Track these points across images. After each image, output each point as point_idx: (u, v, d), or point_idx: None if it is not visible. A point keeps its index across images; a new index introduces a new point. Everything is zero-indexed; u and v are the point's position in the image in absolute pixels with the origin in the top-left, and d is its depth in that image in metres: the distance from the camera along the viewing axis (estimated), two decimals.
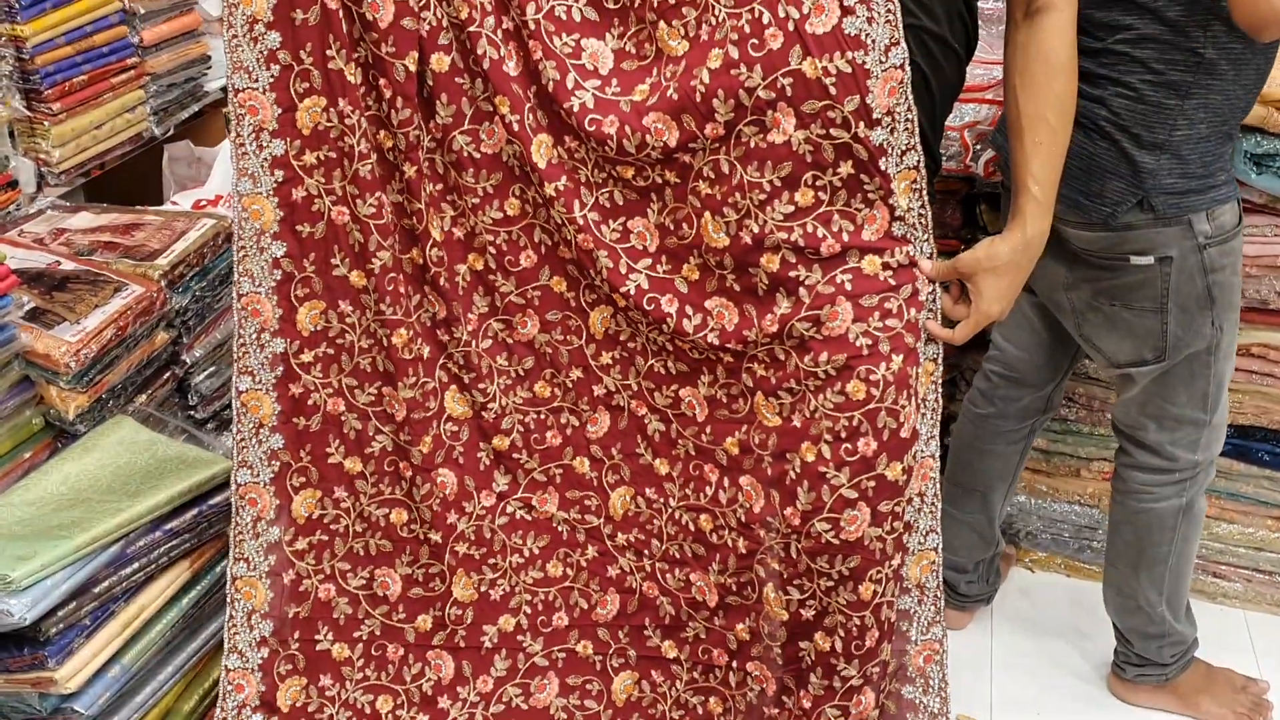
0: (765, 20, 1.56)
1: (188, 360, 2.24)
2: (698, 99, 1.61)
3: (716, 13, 1.60)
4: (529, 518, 1.90)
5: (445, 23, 1.67)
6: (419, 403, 1.81)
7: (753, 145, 1.61)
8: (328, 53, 1.67)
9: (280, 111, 1.70)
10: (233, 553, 1.83)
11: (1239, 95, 1.92)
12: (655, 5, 1.65)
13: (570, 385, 1.84)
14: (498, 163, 1.74)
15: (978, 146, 2.48)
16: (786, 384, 1.69)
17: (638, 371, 1.81)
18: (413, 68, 1.67)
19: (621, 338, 1.80)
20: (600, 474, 1.87)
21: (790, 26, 1.56)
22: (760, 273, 1.66)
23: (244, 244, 1.75)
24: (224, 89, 2.91)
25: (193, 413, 2.30)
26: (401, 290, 1.78)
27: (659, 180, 1.69)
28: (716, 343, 1.71)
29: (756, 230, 1.64)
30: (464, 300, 1.81)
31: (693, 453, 1.81)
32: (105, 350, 2.03)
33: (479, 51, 1.66)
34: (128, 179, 2.77)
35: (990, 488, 2.48)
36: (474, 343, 1.83)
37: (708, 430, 1.79)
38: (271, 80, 1.69)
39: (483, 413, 1.86)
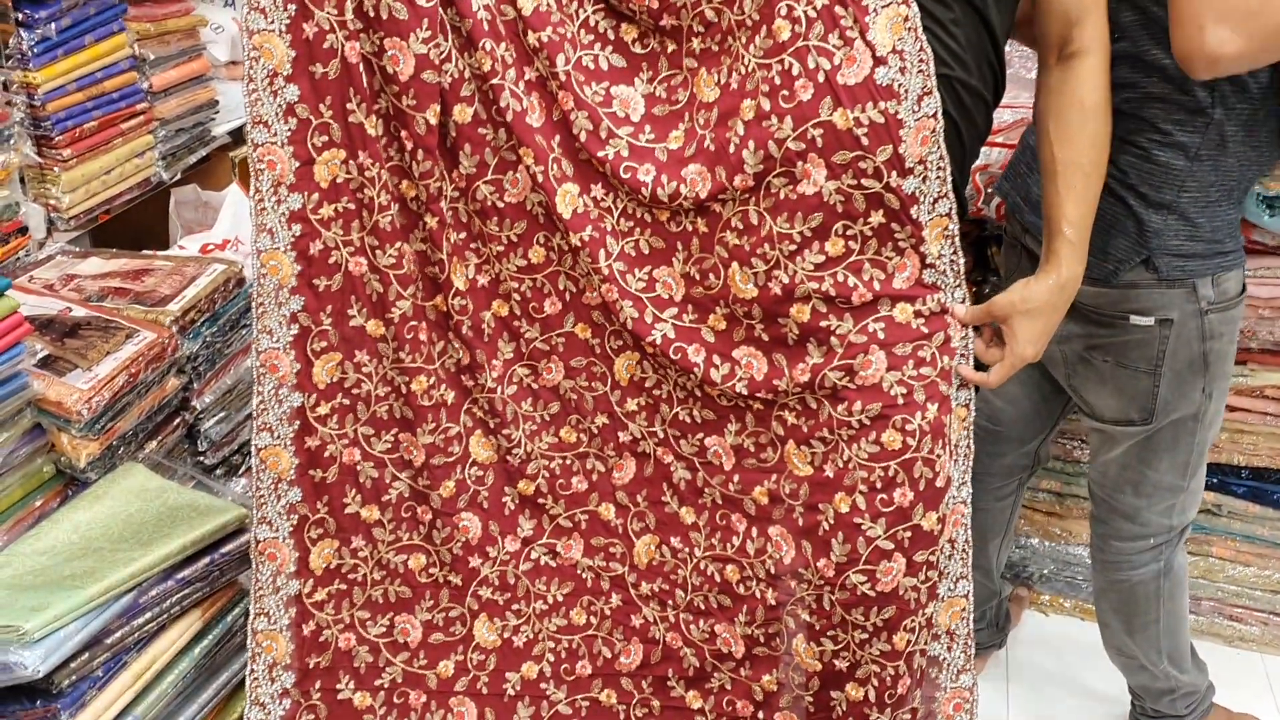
0: (795, 72, 1.56)
1: (198, 406, 2.21)
2: (731, 150, 1.61)
3: (746, 62, 1.60)
4: (553, 564, 1.88)
5: (467, 74, 1.66)
6: (439, 448, 1.79)
7: (782, 196, 1.61)
8: (348, 105, 1.66)
9: (298, 165, 1.68)
10: (253, 607, 1.80)
11: (1251, 158, 1.88)
12: (696, 52, 1.65)
13: (596, 431, 1.82)
14: (522, 211, 1.73)
15: (989, 190, 2.49)
16: (819, 433, 1.68)
17: (663, 419, 1.79)
18: (434, 120, 1.65)
19: (647, 384, 1.79)
20: (625, 521, 1.85)
21: (821, 78, 1.55)
22: (790, 323, 1.65)
23: (262, 300, 1.72)
24: (231, 134, 2.92)
25: (202, 458, 2.27)
26: (422, 338, 1.76)
27: (689, 227, 1.68)
28: (745, 392, 1.70)
29: (786, 281, 1.63)
30: (489, 347, 1.80)
31: (719, 502, 1.79)
32: (117, 397, 2.00)
33: (501, 103, 1.65)
34: (135, 223, 2.75)
35: (983, 540, 2.43)
36: (499, 389, 1.81)
37: (735, 479, 1.77)
38: (289, 134, 1.67)
39: (508, 457, 1.84)
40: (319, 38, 1.63)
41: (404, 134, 1.66)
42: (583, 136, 1.67)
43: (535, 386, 1.82)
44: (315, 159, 1.68)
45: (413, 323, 1.75)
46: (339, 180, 1.69)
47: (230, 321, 2.28)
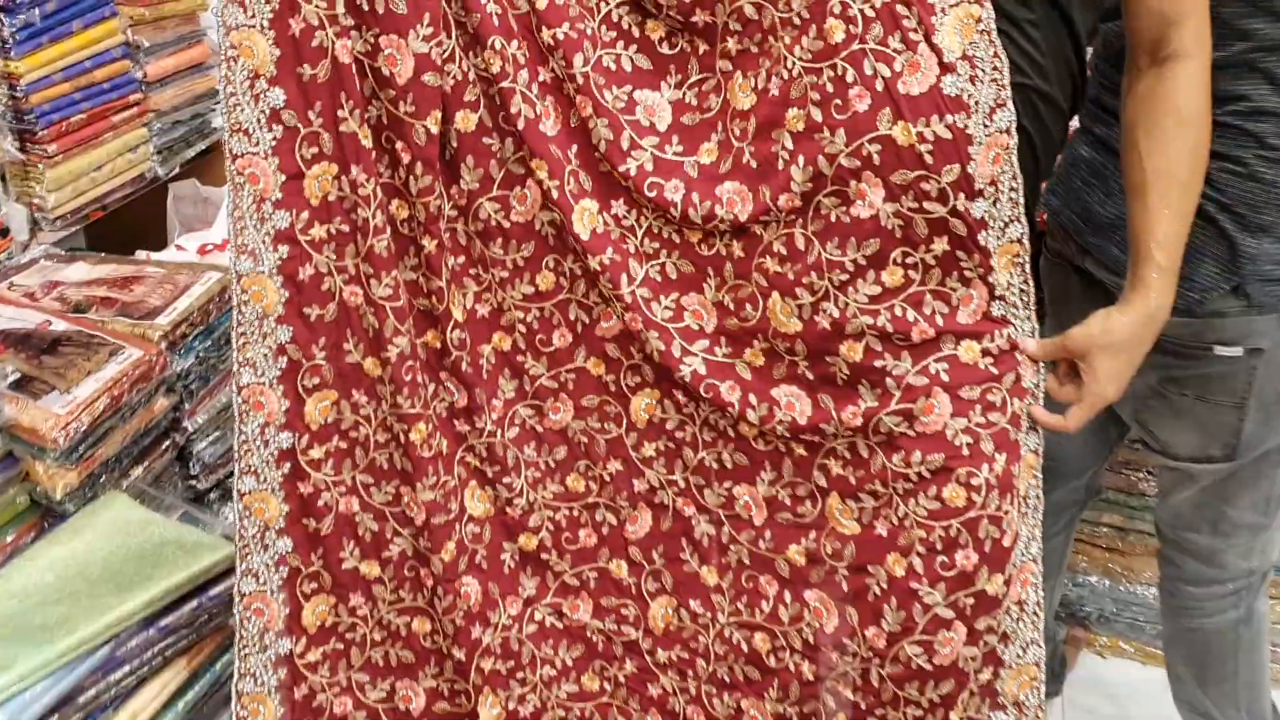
0: (849, 78, 1.38)
1: (189, 427, 2.05)
2: (779, 165, 1.43)
3: (790, 65, 1.42)
4: (559, 625, 1.69)
5: (473, 76, 1.48)
6: (439, 505, 1.60)
7: (833, 219, 1.42)
8: (339, 113, 1.47)
9: (285, 179, 1.49)
10: (238, 668, 1.62)
11: None
12: (732, 54, 1.46)
13: (608, 479, 1.64)
14: (530, 232, 1.55)
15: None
16: (869, 485, 1.49)
17: (685, 465, 1.61)
18: (435, 129, 1.47)
19: (668, 426, 1.60)
20: (640, 580, 1.67)
21: (879, 86, 1.37)
22: (840, 362, 1.47)
23: (244, 330, 1.54)
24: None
25: (194, 482, 2.11)
26: (419, 379, 1.58)
27: (723, 251, 1.50)
28: (788, 434, 1.51)
29: (836, 315, 1.45)
30: (488, 385, 1.62)
31: (747, 561, 1.60)
32: (98, 422, 1.83)
33: (512, 109, 1.47)
34: (130, 220, 2.58)
35: None
36: (499, 432, 1.63)
37: (766, 536, 1.58)
38: (274, 143, 1.48)
39: (507, 509, 1.66)
40: (306, 34, 1.45)
41: (399, 145, 1.49)
42: (603, 147, 1.49)
43: (540, 429, 1.64)
44: (305, 173, 1.50)
45: (410, 362, 1.57)
46: (330, 198, 1.51)
47: (225, 335, 2.11)
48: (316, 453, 1.58)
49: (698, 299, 1.54)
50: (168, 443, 2.03)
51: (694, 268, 1.53)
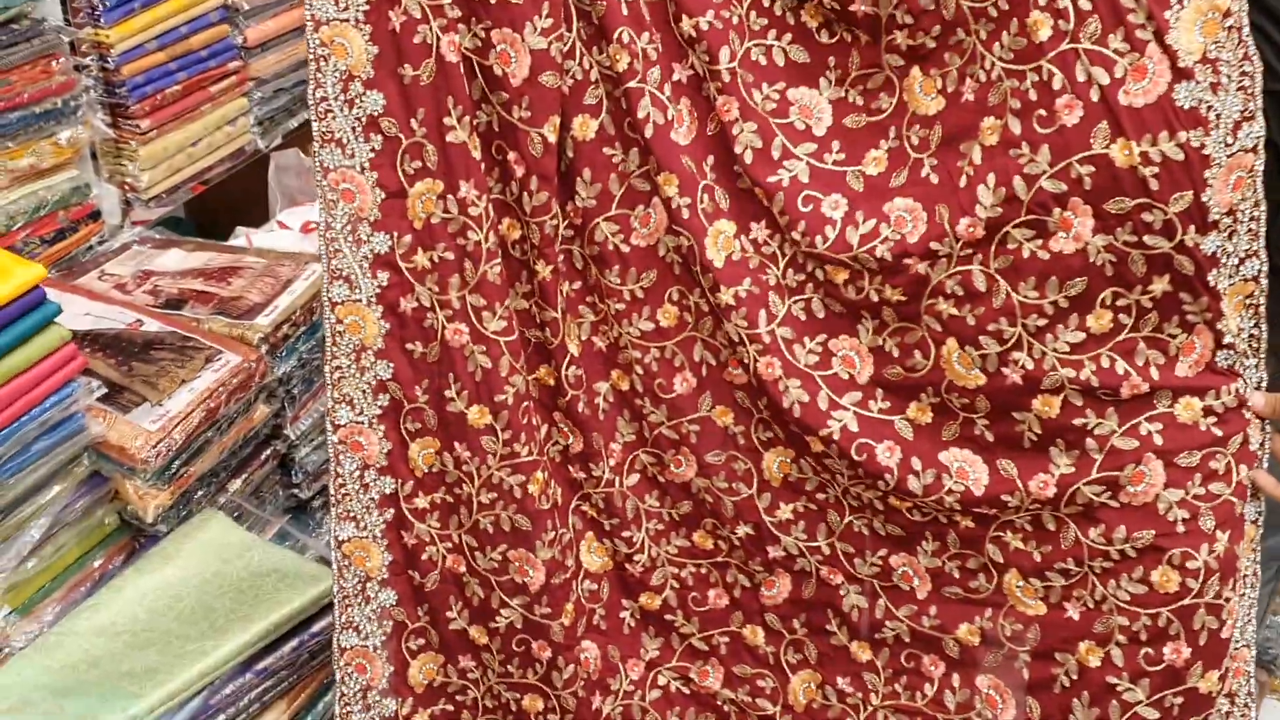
0: (1057, 85, 1.15)
1: (291, 435, 1.89)
2: (962, 183, 1.20)
3: (988, 65, 1.19)
4: (686, 691, 1.51)
5: (595, 75, 1.28)
6: (559, 563, 1.42)
7: (1026, 254, 1.20)
8: (445, 120, 1.28)
9: (384, 197, 1.31)
10: None
11: None
12: (902, 49, 1.24)
13: (737, 543, 1.43)
14: (652, 258, 1.35)
15: None
16: (1059, 563, 1.28)
17: (830, 530, 1.40)
18: (552, 138, 1.28)
19: (807, 488, 1.39)
20: (778, 650, 1.47)
21: (1094, 95, 1.13)
22: (1031, 419, 1.25)
23: (339, 363, 1.37)
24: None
25: (296, 491, 1.96)
26: (534, 422, 1.39)
27: (882, 287, 1.28)
28: (958, 507, 1.30)
29: (1030, 366, 1.23)
30: (605, 427, 1.42)
31: (906, 639, 1.40)
32: (193, 437, 1.68)
33: (639, 113, 1.27)
34: (228, 193, 2.42)
35: None
36: (617, 480, 1.43)
37: (931, 611, 1.37)
38: (372, 156, 1.30)
39: (627, 565, 1.47)
40: (408, 29, 1.26)
41: (512, 156, 1.29)
42: (748, 157, 1.28)
43: (662, 480, 1.44)
44: (408, 190, 1.31)
45: (527, 403, 1.38)
46: (434, 221, 1.32)
47: None
48: (421, 502, 1.41)
49: (849, 343, 1.32)
50: (268, 452, 1.88)
51: (845, 306, 1.31)
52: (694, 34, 1.25)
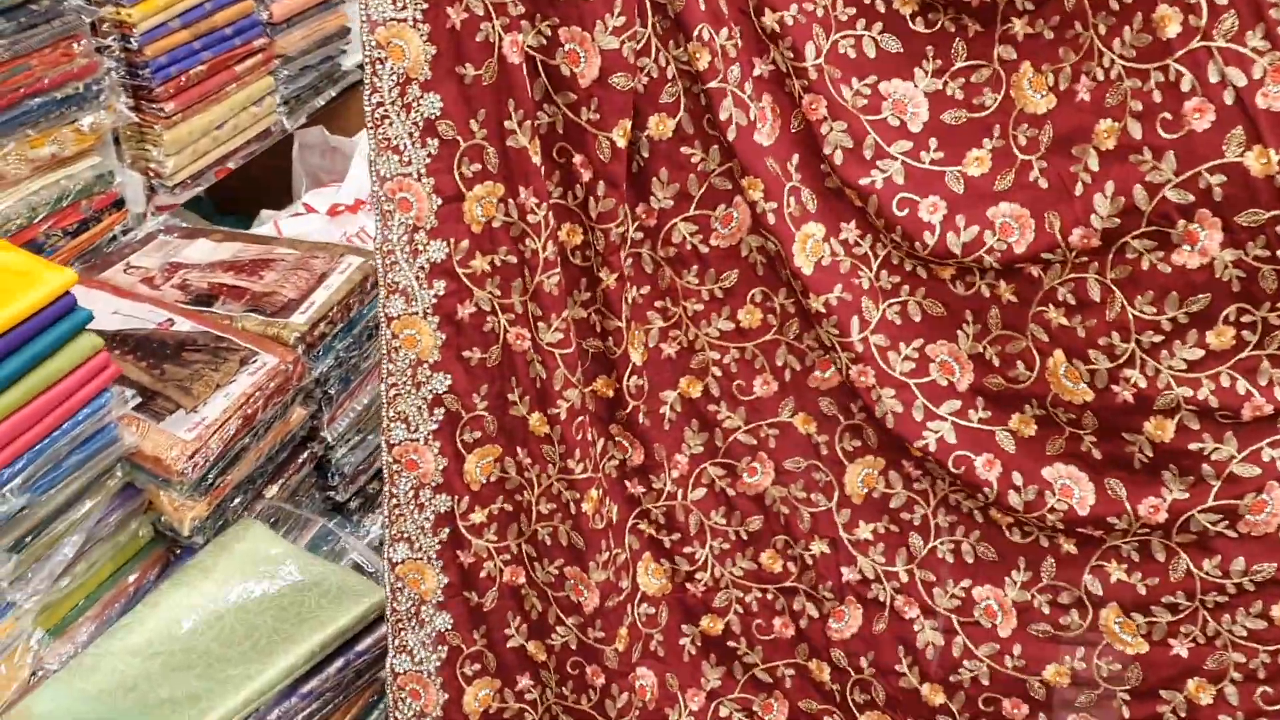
0: (1186, 86, 1.05)
1: (329, 438, 1.81)
2: (1077, 190, 1.11)
3: (1106, 63, 1.09)
4: None
5: (672, 72, 1.18)
6: (613, 585, 1.34)
7: (1146, 266, 1.11)
8: (506, 124, 1.19)
9: (441, 203, 1.22)
10: None
11: None
12: (1018, 38, 1.15)
13: (810, 562, 1.35)
14: (734, 258, 1.27)
15: None
16: (1167, 597, 1.20)
17: (911, 555, 1.32)
18: (622, 142, 1.19)
19: (892, 505, 1.31)
20: (844, 688, 1.39)
21: (1228, 98, 1.04)
22: (1142, 441, 1.16)
23: (395, 379, 1.29)
24: (362, 66, 2.46)
25: (333, 493, 1.88)
26: (590, 438, 1.31)
27: (986, 291, 1.19)
28: (1061, 526, 1.22)
29: (1144, 384, 1.14)
30: (669, 439, 1.34)
31: (985, 681, 1.32)
32: (229, 445, 1.60)
33: (721, 114, 1.18)
34: (250, 174, 2.32)
35: None
36: (680, 493, 1.35)
37: (1016, 651, 1.29)
38: (429, 161, 1.21)
39: (687, 585, 1.39)
40: (469, 27, 1.16)
41: (577, 160, 1.20)
42: (838, 158, 1.19)
43: (731, 493, 1.35)
44: (465, 194, 1.22)
45: (581, 418, 1.30)
46: (495, 224, 1.24)
47: (367, 330, 1.86)
48: (478, 516, 1.33)
49: (948, 348, 1.24)
50: (305, 455, 1.80)
51: (945, 309, 1.23)
52: (777, 29, 1.16)
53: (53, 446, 1.40)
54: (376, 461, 1.93)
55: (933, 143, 1.20)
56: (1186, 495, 1.16)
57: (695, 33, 1.15)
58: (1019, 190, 1.16)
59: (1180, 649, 1.21)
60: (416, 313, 1.26)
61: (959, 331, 1.24)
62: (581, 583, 1.33)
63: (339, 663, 1.52)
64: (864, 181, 1.20)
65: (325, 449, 1.82)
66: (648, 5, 1.16)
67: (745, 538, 1.37)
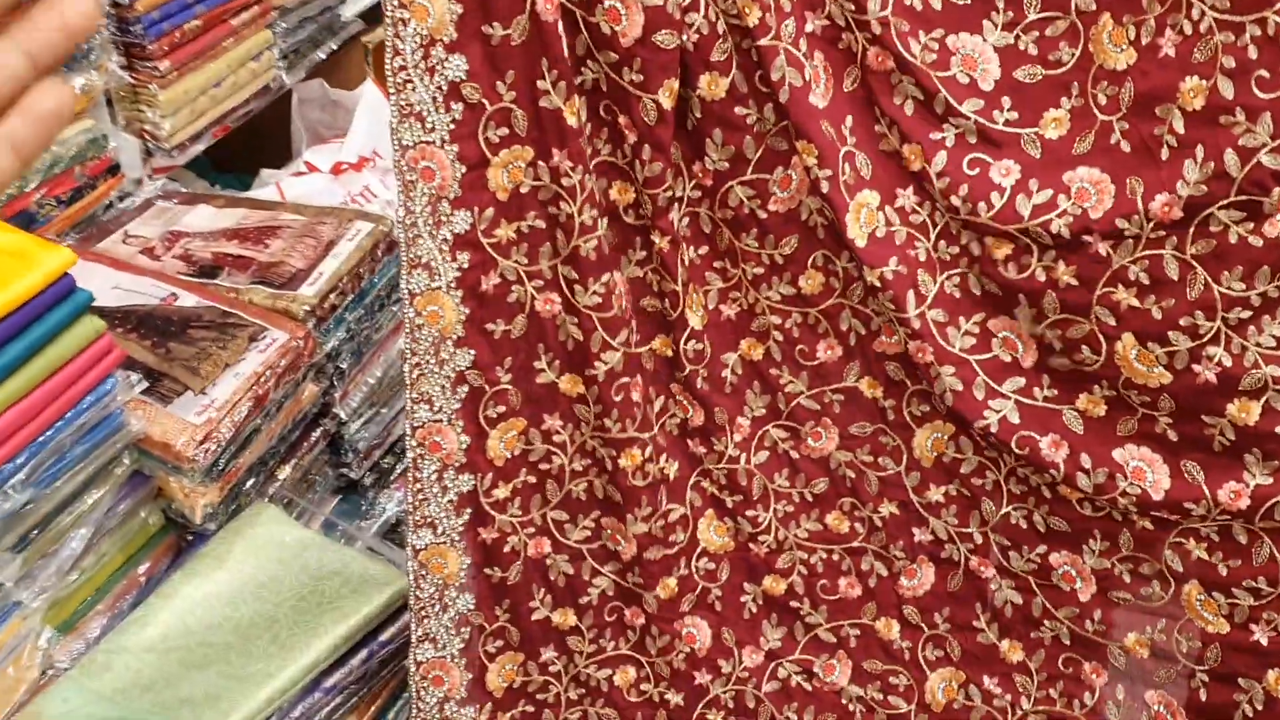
0: None
1: (342, 414, 1.73)
2: (1163, 155, 1.03)
3: (1195, 15, 1.00)
4: (808, 687, 1.38)
5: (722, 28, 1.09)
6: (656, 538, 1.30)
7: (1233, 239, 1.03)
8: (539, 84, 1.11)
9: (465, 170, 1.14)
10: None
11: None
12: None
13: (879, 524, 1.30)
14: (793, 223, 1.19)
15: None
16: (1248, 580, 1.14)
17: (984, 519, 1.26)
18: (668, 104, 1.10)
19: (963, 470, 1.25)
20: (916, 645, 1.34)
21: None
22: (1224, 424, 1.09)
23: (419, 359, 1.21)
24: (362, 15, 2.36)
25: (347, 470, 1.80)
26: (635, 398, 1.24)
27: (1044, 273, 1.11)
28: (1134, 510, 1.15)
29: (1229, 363, 1.07)
30: (731, 401, 1.28)
31: (1066, 641, 1.26)
32: (241, 428, 1.52)
33: (774, 74, 1.09)
34: (248, 131, 2.22)
35: None
36: (743, 456, 1.29)
37: (1096, 616, 1.24)
38: (453, 127, 1.12)
39: (751, 545, 1.34)
40: None
41: (622, 121, 1.12)
42: (908, 109, 1.11)
43: (795, 456, 1.30)
44: (490, 159, 1.14)
45: (623, 379, 1.23)
46: (523, 190, 1.16)
47: (379, 300, 1.77)
48: (501, 492, 1.27)
49: (1009, 324, 1.16)
50: (318, 433, 1.72)
51: (1003, 289, 1.15)
52: None
53: (56, 438, 1.31)
54: (390, 436, 1.85)
55: (1006, 102, 1.11)
56: (1270, 481, 1.09)
57: None
58: (1099, 154, 1.08)
59: (1260, 636, 1.15)
60: (439, 287, 1.18)
61: (1017, 309, 1.16)
62: (619, 533, 1.29)
63: (363, 654, 1.46)
64: (935, 137, 1.11)
65: (338, 425, 1.74)
66: None
67: (810, 499, 1.31)
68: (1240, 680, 1.18)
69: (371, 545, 1.67)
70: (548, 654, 1.37)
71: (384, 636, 1.48)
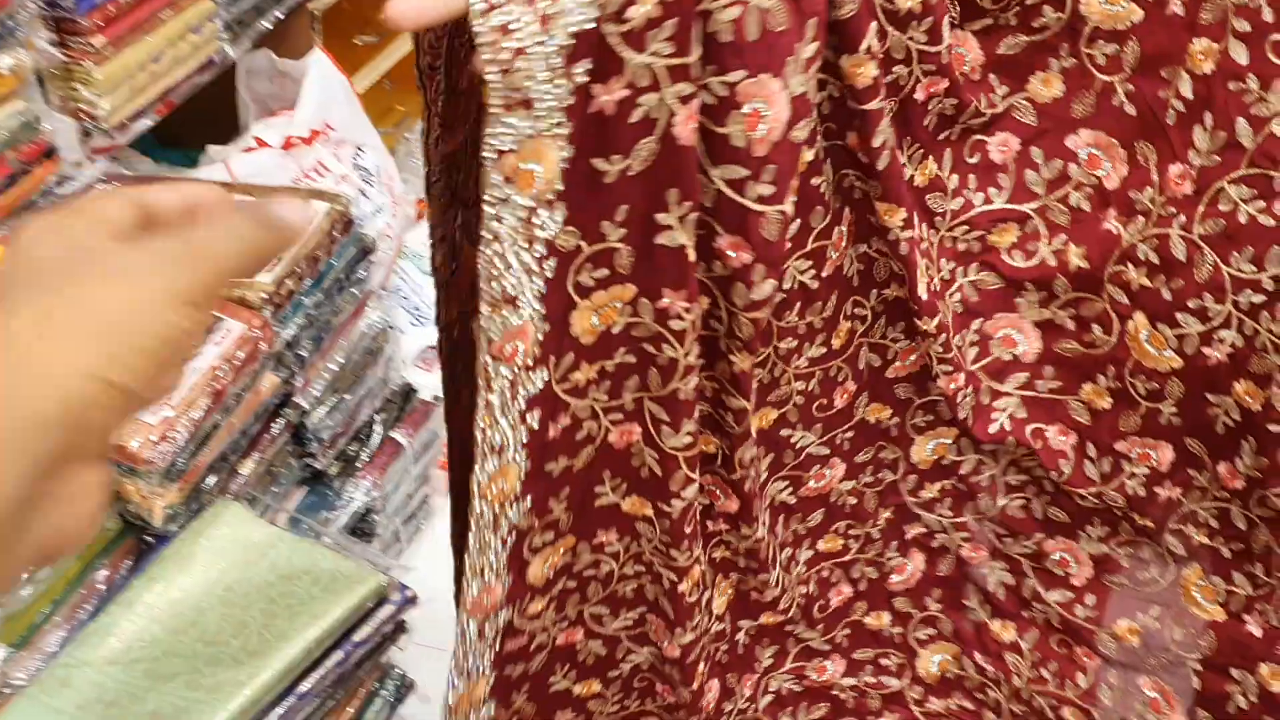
0: None
1: (304, 403, 1.66)
2: (1169, 119, 0.98)
3: None
4: (798, 688, 1.33)
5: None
6: (695, 643, 1.16)
7: (1243, 219, 0.98)
8: (659, 218, 0.87)
9: (548, 329, 0.90)
10: None
11: None
12: None
13: (876, 535, 1.23)
14: (836, 280, 1.04)
15: None
16: (1247, 568, 1.10)
17: (979, 511, 1.20)
18: (791, 210, 0.91)
19: (962, 470, 1.19)
20: (906, 629, 1.29)
21: None
22: (1229, 404, 1.05)
23: (481, 542, 0.99)
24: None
25: (311, 460, 1.73)
26: (697, 530, 1.08)
27: (1052, 262, 1.06)
28: (1143, 494, 1.11)
29: (1240, 344, 1.02)
30: (760, 487, 1.15)
31: (1057, 624, 1.22)
32: (199, 426, 1.45)
33: (875, 141, 0.95)
34: (192, 107, 2.12)
35: None
36: (767, 537, 1.17)
37: (1089, 601, 1.20)
38: (544, 291, 0.87)
39: (753, 594, 1.24)
40: (625, 107, 0.81)
41: (724, 242, 0.92)
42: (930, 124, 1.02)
43: (792, 501, 1.20)
44: (577, 304, 0.91)
45: (693, 513, 1.06)
46: (614, 330, 0.94)
47: (336, 282, 1.70)
48: (536, 606, 1.09)
49: (1006, 319, 1.11)
50: (280, 423, 1.65)
51: (1002, 280, 1.09)
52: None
53: None
54: (355, 422, 1.79)
55: (992, 77, 1.04)
56: (1260, 475, 1.05)
57: (864, 46, 0.88)
58: (1102, 116, 1.01)
59: (1254, 627, 1.11)
60: (509, 459, 0.96)
61: (1019, 299, 1.10)
62: (663, 634, 1.15)
63: (337, 655, 1.41)
64: (940, 138, 1.04)
65: (300, 415, 1.68)
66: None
67: (804, 533, 1.22)
68: (1233, 671, 1.14)
69: (340, 542, 1.61)
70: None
71: (359, 636, 1.43)
